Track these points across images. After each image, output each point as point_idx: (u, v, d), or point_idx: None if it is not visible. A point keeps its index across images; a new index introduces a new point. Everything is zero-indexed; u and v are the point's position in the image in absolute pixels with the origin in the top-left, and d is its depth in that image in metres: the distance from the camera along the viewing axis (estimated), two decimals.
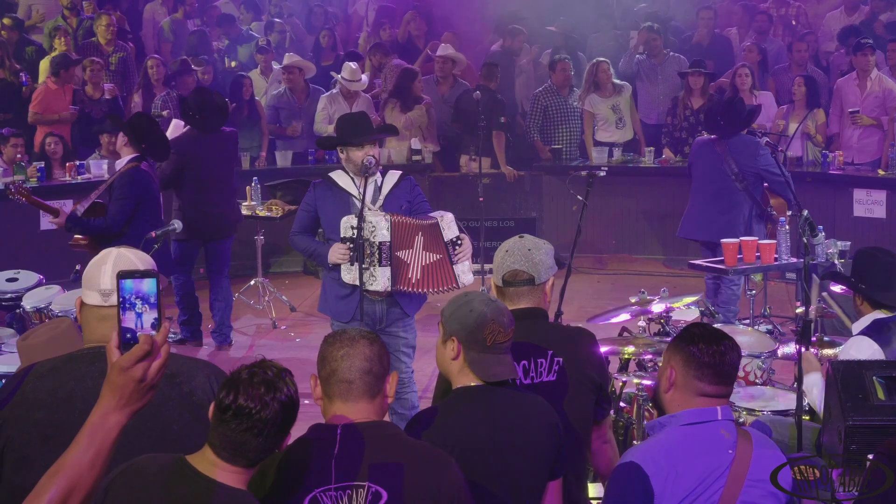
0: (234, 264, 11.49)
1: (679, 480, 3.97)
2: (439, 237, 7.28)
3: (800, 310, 7.81)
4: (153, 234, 8.07)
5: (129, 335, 2.83)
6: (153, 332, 2.84)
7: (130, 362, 2.81)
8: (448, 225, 7.31)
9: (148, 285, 2.85)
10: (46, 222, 12.13)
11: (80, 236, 9.34)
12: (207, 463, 3.34)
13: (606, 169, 9.91)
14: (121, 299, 2.84)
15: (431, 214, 7.41)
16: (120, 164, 9.64)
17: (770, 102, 13.55)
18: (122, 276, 2.85)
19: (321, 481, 3.67)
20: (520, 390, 4.46)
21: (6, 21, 14.93)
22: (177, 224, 8.59)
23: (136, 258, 3.72)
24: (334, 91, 13.90)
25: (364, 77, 13.91)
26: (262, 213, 11.80)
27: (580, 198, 7.76)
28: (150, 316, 2.84)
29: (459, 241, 7.30)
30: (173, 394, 3.68)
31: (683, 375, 4.11)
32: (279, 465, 3.70)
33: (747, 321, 9.41)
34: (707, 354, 4.08)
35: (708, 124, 11.00)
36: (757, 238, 9.33)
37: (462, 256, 7.29)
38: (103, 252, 3.77)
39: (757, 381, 7.35)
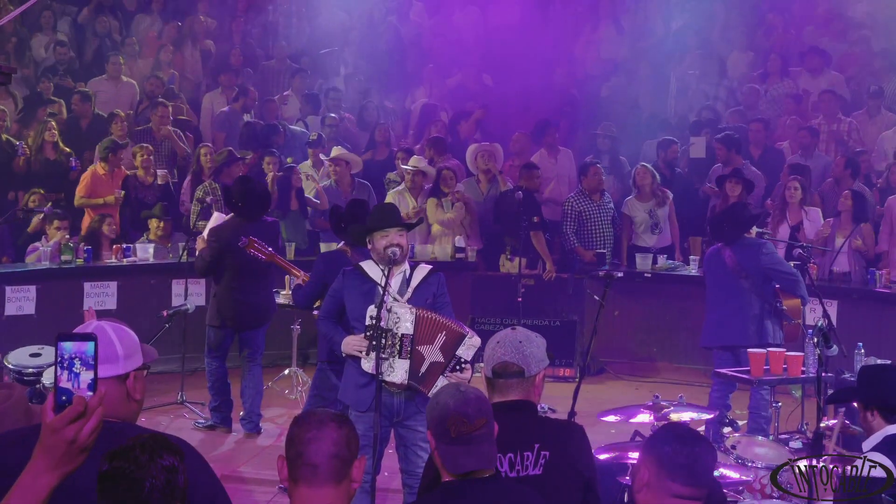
0: (269, 353, 11.55)
1: None
2: (455, 347, 7.23)
3: (824, 425, 7.70)
4: (165, 312, 8.14)
5: (64, 397, 2.84)
6: (88, 394, 2.84)
7: (62, 423, 2.81)
8: (469, 346, 7.24)
9: (86, 347, 2.87)
10: (91, 303, 12.45)
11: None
12: None
13: (622, 273, 9.90)
14: (59, 360, 2.86)
15: (468, 329, 7.36)
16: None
17: (817, 218, 13.46)
18: (62, 337, 2.87)
19: None
20: (508, 484, 4.41)
21: (75, 97, 15.35)
22: (189, 305, 8.65)
23: (114, 334, 3.70)
24: (400, 188, 14.04)
25: (432, 169, 14.04)
26: None
27: (597, 298, 7.73)
28: (86, 377, 2.85)
29: (464, 366, 7.24)
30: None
31: (656, 476, 4.02)
32: None
33: (773, 435, 9.25)
34: (681, 455, 3.99)
35: (713, 232, 11.12)
36: (781, 346, 9.27)
37: (452, 377, 7.22)
38: (85, 324, 3.79)
39: (773, 494, 7.22)
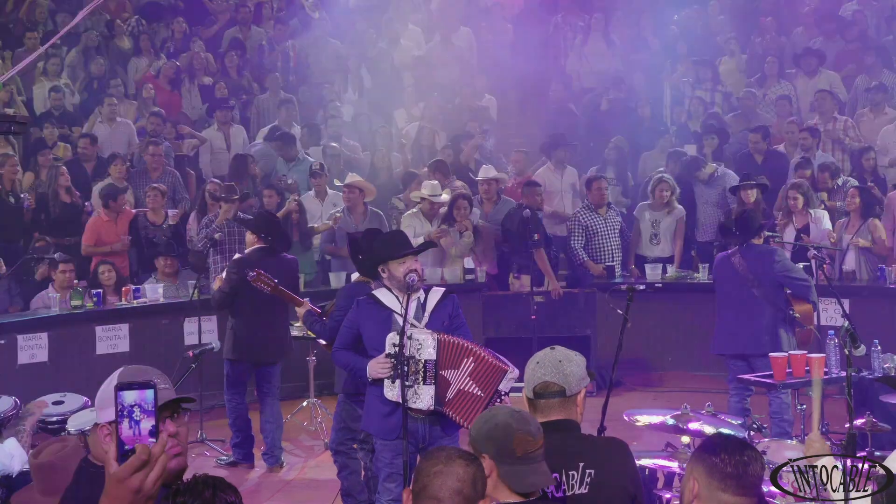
0: (286, 385, 11.54)
1: None
2: (497, 382, 7.15)
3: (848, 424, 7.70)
4: (191, 353, 8.12)
5: (127, 446, 2.83)
6: (151, 441, 2.84)
7: (127, 473, 2.79)
8: (510, 379, 7.21)
9: (146, 395, 2.86)
10: (104, 346, 12.43)
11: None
12: None
13: (655, 283, 9.93)
14: (119, 409, 2.85)
15: (506, 362, 7.30)
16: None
17: (823, 220, 13.46)
18: (121, 387, 2.87)
19: None
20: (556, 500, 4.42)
21: (83, 140, 15.39)
22: (215, 343, 8.62)
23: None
24: (414, 211, 14.06)
25: (445, 195, 14.05)
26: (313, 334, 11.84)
27: (620, 312, 7.74)
28: (147, 424, 2.85)
29: (505, 397, 7.23)
30: None
31: (707, 487, 4.02)
32: None
33: (799, 437, 9.25)
34: (730, 465, 3.99)
35: (723, 237, 11.26)
36: (803, 350, 9.27)
37: None
38: (115, 373, 3.79)
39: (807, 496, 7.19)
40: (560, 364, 4.80)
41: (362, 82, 18.44)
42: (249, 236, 10.93)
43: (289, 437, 11.61)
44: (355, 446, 9.10)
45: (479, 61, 18.61)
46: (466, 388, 7.15)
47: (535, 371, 4.82)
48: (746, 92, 17.20)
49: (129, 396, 2.86)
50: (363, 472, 9.23)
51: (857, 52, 17.51)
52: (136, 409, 2.85)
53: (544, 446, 4.38)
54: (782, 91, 17.06)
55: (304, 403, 12.19)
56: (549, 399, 4.77)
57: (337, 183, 14.96)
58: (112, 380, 3.72)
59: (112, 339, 12.63)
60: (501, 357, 7.31)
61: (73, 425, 8.66)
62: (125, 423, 2.85)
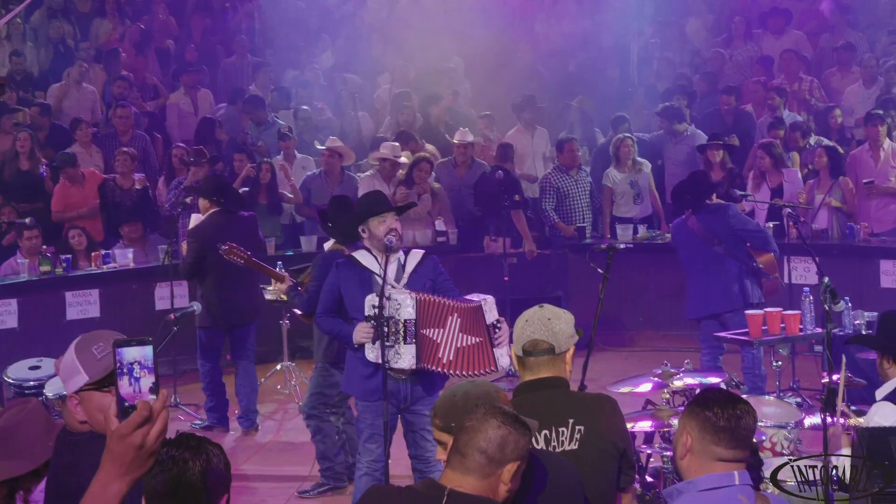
0: (260, 349, 11.52)
1: None
2: (481, 320, 7.27)
3: (826, 379, 7.77)
4: (172, 316, 8.08)
5: (126, 403, 2.82)
6: (151, 398, 2.83)
7: (129, 429, 2.79)
8: (490, 308, 7.30)
9: (144, 351, 2.85)
10: (74, 312, 12.35)
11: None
12: None
13: (626, 244, 9.99)
14: (118, 366, 2.84)
15: (471, 297, 7.40)
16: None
17: (796, 178, 13.53)
18: (119, 344, 2.85)
19: None
20: (544, 452, 4.45)
21: (33, 109, 15.21)
22: (196, 306, 8.61)
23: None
24: (371, 173, 14.01)
25: (404, 157, 14.02)
26: (286, 297, 11.81)
27: (601, 271, 7.76)
28: (147, 381, 2.84)
29: (499, 325, 7.29)
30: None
31: (699, 441, 4.05)
32: None
33: (774, 393, 9.34)
34: (723, 419, 4.02)
35: (676, 203, 11.37)
36: (763, 304, 9.43)
37: (502, 340, 7.28)
38: (72, 344, 3.78)
39: (784, 451, 7.27)
40: (549, 322, 4.81)
41: (330, 45, 18.33)
42: (202, 202, 10.86)
43: (263, 401, 11.59)
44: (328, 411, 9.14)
45: (448, 23, 18.50)
46: (464, 343, 7.21)
47: (524, 329, 4.83)
48: (714, 52, 17.22)
49: (129, 353, 2.85)
50: (337, 436, 9.25)
51: (822, 10, 17.56)
52: (136, 366, 2.85)
53: (532, 404, 4.47)
54: (749, 52, 17.11)
55: (278, 367, 12.19)
56: (538, 357, 4.78)
57: (318, 146, 14.89)
58: (71, 351, 3.72)
59: (82, 304, 12.54)
60: (468, 298, 7.41)
61: (50, 390, 8.65)
62: (125, 380, 2.84)
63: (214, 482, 3.31)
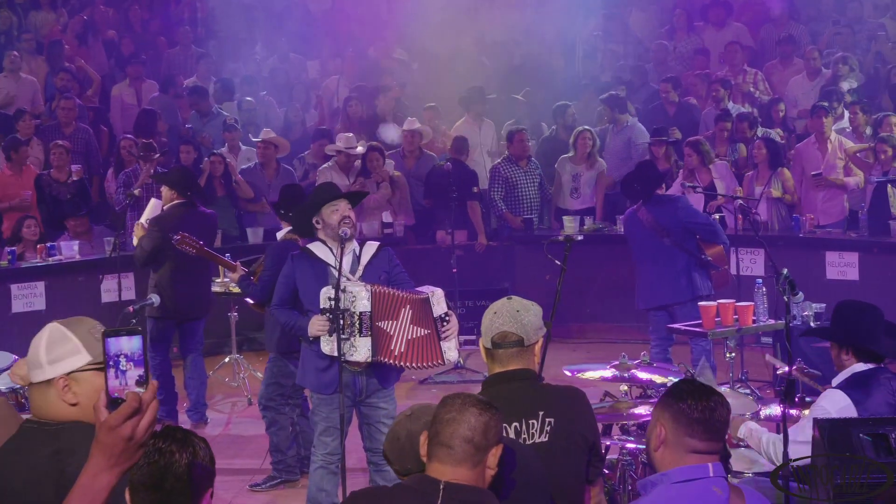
0: (208, 342, 11.47)
1: None
2: (429, 312, 7.28)
3: (781, 371, 7.84)
4: (131, 308, 8.01)
5: (115, 394, 2.80)
6: (140, 390, 2.81)
7: (119, 420, 2.78)
8: (438, 300, 7.31)
9: (133, 342, 2.83)
10: (20, 304, 12.20)
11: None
12: None
13: (582, 236, 10.04)
14: (106, 357, 2.81)
15: (421, 289, 7.41)
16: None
17: (725, 171, 13.58)
18: (108, 334, 2.83)
19: None
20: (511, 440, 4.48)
21: None
22: (155, 298, 8.55)
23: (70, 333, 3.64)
24: (329, 164, 13.97)
25: (360, 148, 13.98)
26: (234, 289, 11.75)
27: (558, 262, 7.77)
28: (135, 373, 2.81)
29: (447, 318, 7.29)
30: (50, 470, 3.53)
31: (673, 433, 4.03)
32: None
33: (727, 384, 9.38)
34: (696, 410, 4.00)
35: (625, 192, 11.43)
36: (711, 296, 9.66)
37: (450, 333, 7.29)
38: (44, 329, 3.71)
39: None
40: (517, 314, 4.80)
41: (274, 35, 18.23)
42: (167, 192, 10.75)
43: (211, 394, 11.55)
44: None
45: (390, 14, 18.46)
46: (414, 336, 7.22)
47: (493, 321, 4.82)
48: (657, 44, 17.30)
49: (117, 344, 2.82)
50: (290, 428, 9.22)
51: (763, 2, 17.69)
52: (122, 358, 2.82)
53: (502, 396, 4.48)
54: (692, 44, 17.20)
55: (227, 359, 12.13)
56: (507, 349, 4.78)
57: (252, 139, 14.84)
58: (41, 336, 3.65)
59: (28, 297, 12.39)
60: (419, 290, 7.41)
61: (2, 383, 8.51)
62: (111, 373, 2.82)
63: (200, 475, 3.30)
